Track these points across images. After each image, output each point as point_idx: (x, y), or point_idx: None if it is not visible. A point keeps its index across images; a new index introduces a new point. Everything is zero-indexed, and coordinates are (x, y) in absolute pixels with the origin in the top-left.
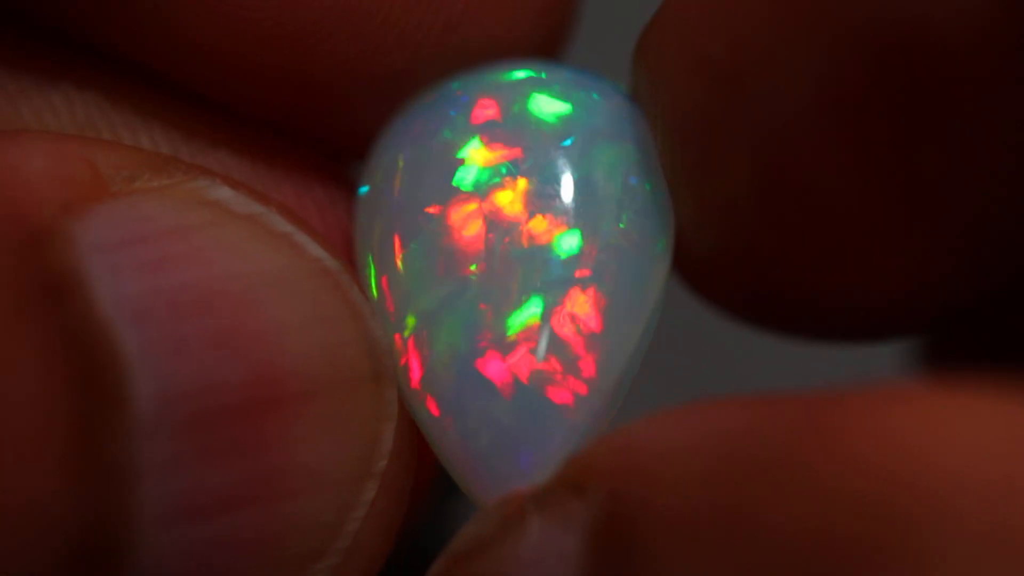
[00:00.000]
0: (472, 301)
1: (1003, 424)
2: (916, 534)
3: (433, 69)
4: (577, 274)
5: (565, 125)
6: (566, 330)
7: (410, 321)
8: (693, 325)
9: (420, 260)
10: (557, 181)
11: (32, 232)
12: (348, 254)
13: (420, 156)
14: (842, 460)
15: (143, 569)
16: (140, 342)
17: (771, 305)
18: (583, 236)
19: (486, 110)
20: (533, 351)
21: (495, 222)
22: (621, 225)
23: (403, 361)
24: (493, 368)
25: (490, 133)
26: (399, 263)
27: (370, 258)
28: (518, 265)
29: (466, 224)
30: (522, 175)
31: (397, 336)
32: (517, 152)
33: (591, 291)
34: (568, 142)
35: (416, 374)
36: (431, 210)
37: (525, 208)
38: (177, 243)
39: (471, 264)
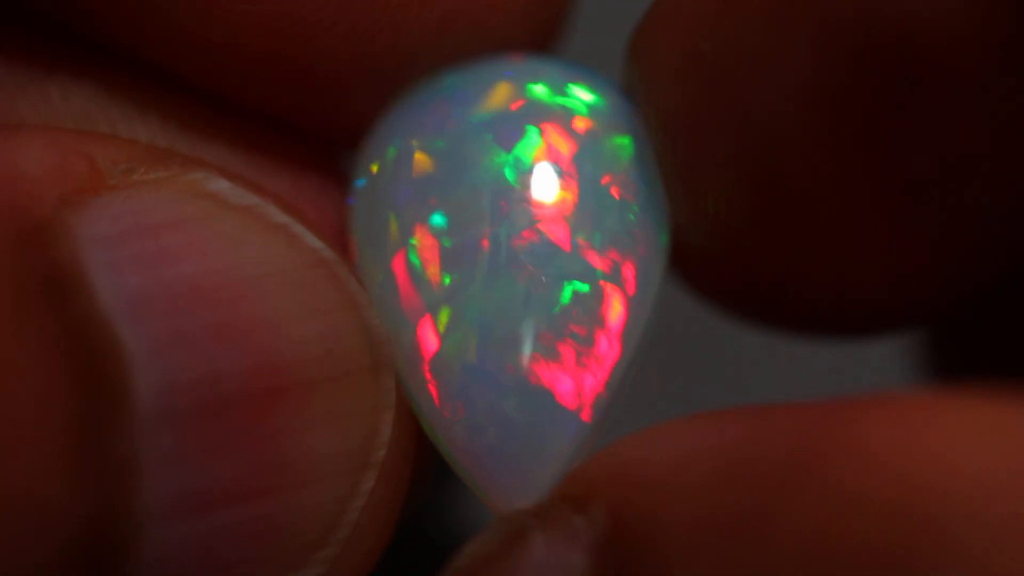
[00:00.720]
0: (481, 295)
1: (1021, 427)
2: (948, 537)
3: (428, 62)
4: (585, 271)
5: (558, 124)
6: (573, 327)
7: (415, 315)
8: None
9: (425, 254)
10: (564, 176)
11: (30, 226)
12: (343, 244)
13: (421, 149)
14: (863, 465)
15: (146, 562)
16: (139, 335)
17: (764, 302)
18: (591, 232)
19: (492, 102)
20: (540, 348)
21: (505, 215)
22: (630, 217)
23: (410, 357)
24: (500, 365)
25: (494, 127)
26: (404, 256)
27: (370, 250)
28: (527, 259)
29: (471, 220)
30: (517, 174)
31: (404, 331)
32: (522, 147)
33: (598, 288)
34: (573, 136)
35: (424, 369)
36: (437, 202)
37: (535, 201)
38: (174, 236)
39: (480, 258)
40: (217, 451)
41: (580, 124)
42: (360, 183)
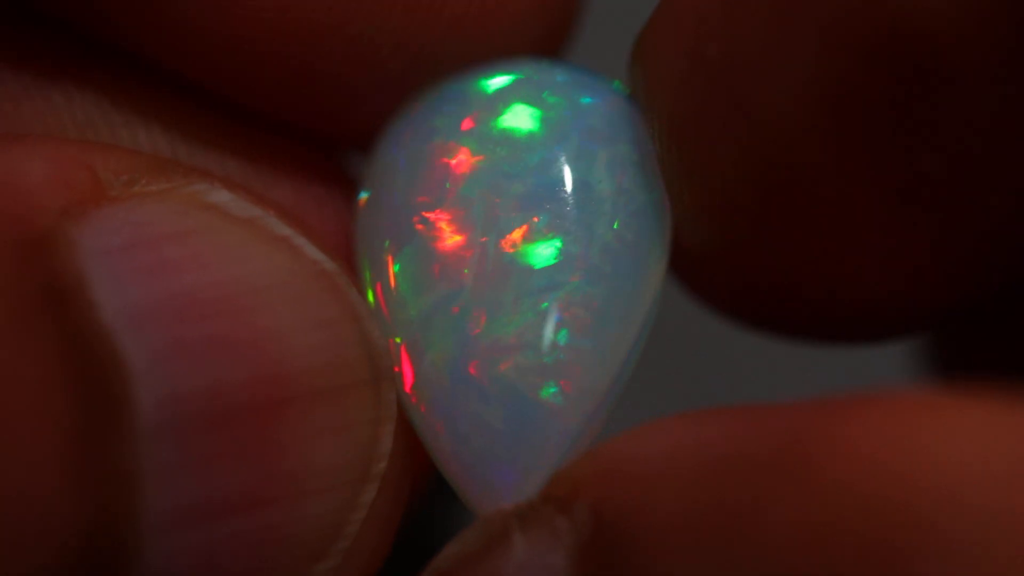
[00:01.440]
0: (464, 306)
1: (1012, 426)
2: (936, 533)
3: (435, 67)
4: (570, 278)
5: (557, 128)
6: (558, 335)
7: (402, 326)
8: (689, 328)
9: (412, 264)
10: (550, 184)
11: (32, 237)
12: (347, 253)
13: (413, 160)
14: (851, 461)
15: (148, 573)
16: (141, 346)
17: (768, 306)
18: (576, 240)
19: (479, 114)
20: (524, 356)
21: (487, 226)
22: (615, 226)
23: (396, 367)
24: (484, 373)
25: (483, 137)
26: (392, 267)
27: (366, 262)
28: (510, 270)
29: (458, 229)
30: (515, 179)
31: (390, 341)
32: (510, 156)
33: (584, 295)
34: (561, 146)
35: (409, 379)
36: (424, 214)
37: (518, 212)
38: (176, 247)
39: (463, 269)
40: (218, 462)
41: (575, 130)
42: (363, 192)
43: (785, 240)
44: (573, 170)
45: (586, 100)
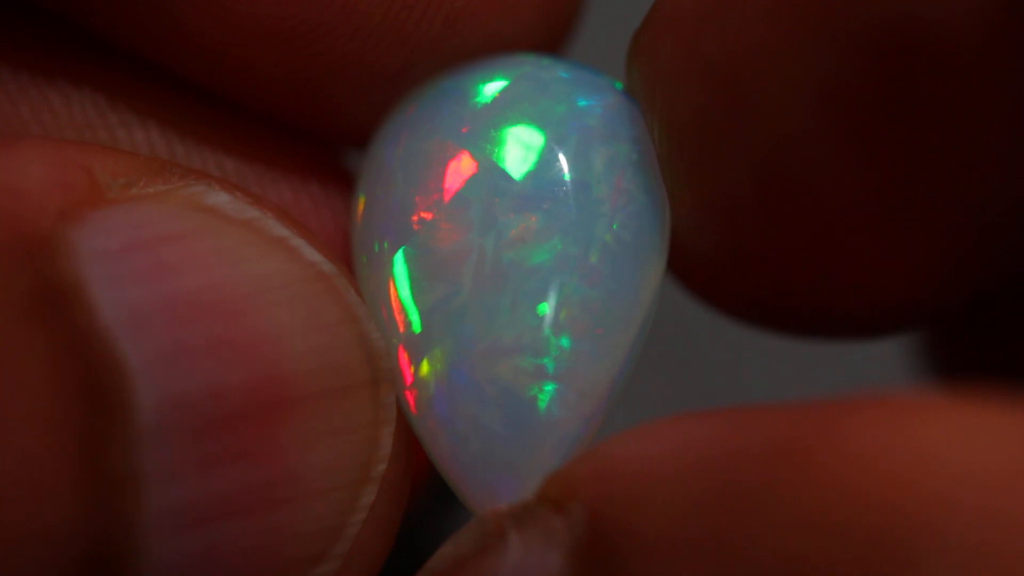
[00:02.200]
0: (462, 307)
1: (1009, 428)
2: (934, 532)
3: (434, 64)
4: (568, 280)
5: (556, 128)
6: (557, 336)
7: (401, 327)
8: (688, 327)
9: (410, 265)
10: (548, 185)
11: (30, 239)
12: (345, 252)
13: (411, 159)
14: (848, 461)
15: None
16: (139, 349)
17: (770, 305)
18: (575, 241)
19: (479, 113)
20: (523, 358)
21: (486, 227)
22: (614, 227)
23: (395, 367)
24: (483, 375)
25: (482, 137)
26: (391, 267)
27: (364, 261)
28: (509, 271)
29: (456, 229)
30: (514, 179)
31: (389, 342)
32: (509, 156)
33: (582, 297)
34: (559, 146)
35: (407, 380)
36: (423, 214)
37: (516, 213)
38: (174, 249)
39: (461, 270)
40: (217, 464)
41: (574, 130)
42: (359, 192)
43: (787, 240)
44: (572, 171)
45: (585, 99)
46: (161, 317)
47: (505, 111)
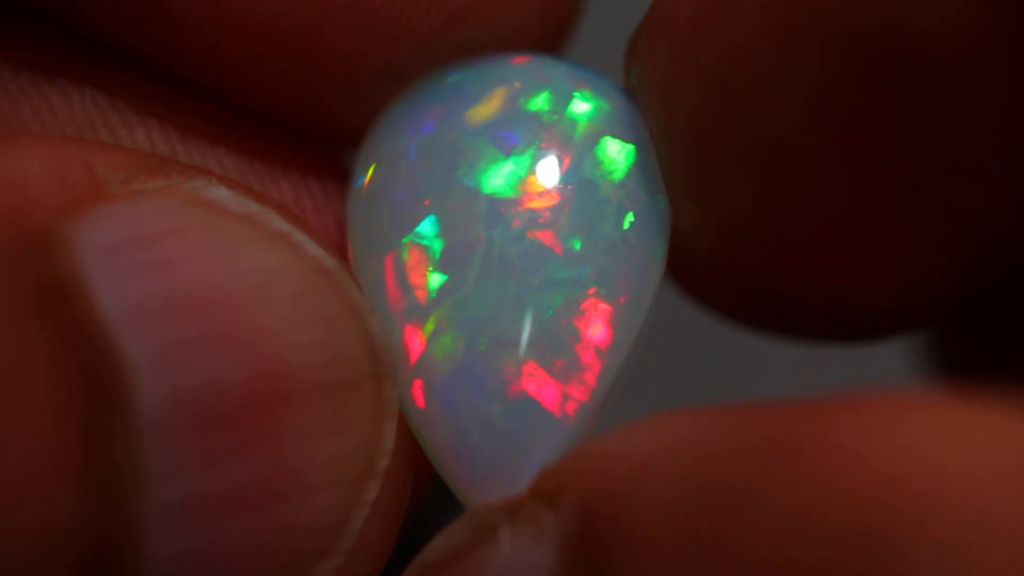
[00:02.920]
0: (470, 300)
1: (1004, 428)
2: (924, 531)
3: (437, 59)
4: (577, 277)
5: (561, 126)
6: (563, 333)
7: (404, 320)
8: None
9: (414, 257)
10: (560, 181)
11: (30, 236)
12: (346, 248)
13: (420, 149)
14: (840, 459)
15: (150, 571)
16: (141, 344)
17: (769, 307)
18: (585, 238)
19: (482, 108)
20: (528, 353)
21: (492, 221)
22: (624, 227)
23: (398, 358)
24: (487, 368)
25: (486, 132)
26: (396, 256)
27: (364, 249)
28: (517, 266)
29: (466, 221)
30: (521, 175)
31: (392, 331)
32: (520, 150)
33: (590, 294)
34: (565, 144)
35: (411, 369)
36: (426, 204)
37: (526, 207)
38: (175, 244)
39: (472, 260)
40: (220, 459)
41: (580, 128)
42: (358, 182)
43: (785, 243)
44: (579, 169)
45: (589, 99)
46: (162, 312)
47: (507, 110)
